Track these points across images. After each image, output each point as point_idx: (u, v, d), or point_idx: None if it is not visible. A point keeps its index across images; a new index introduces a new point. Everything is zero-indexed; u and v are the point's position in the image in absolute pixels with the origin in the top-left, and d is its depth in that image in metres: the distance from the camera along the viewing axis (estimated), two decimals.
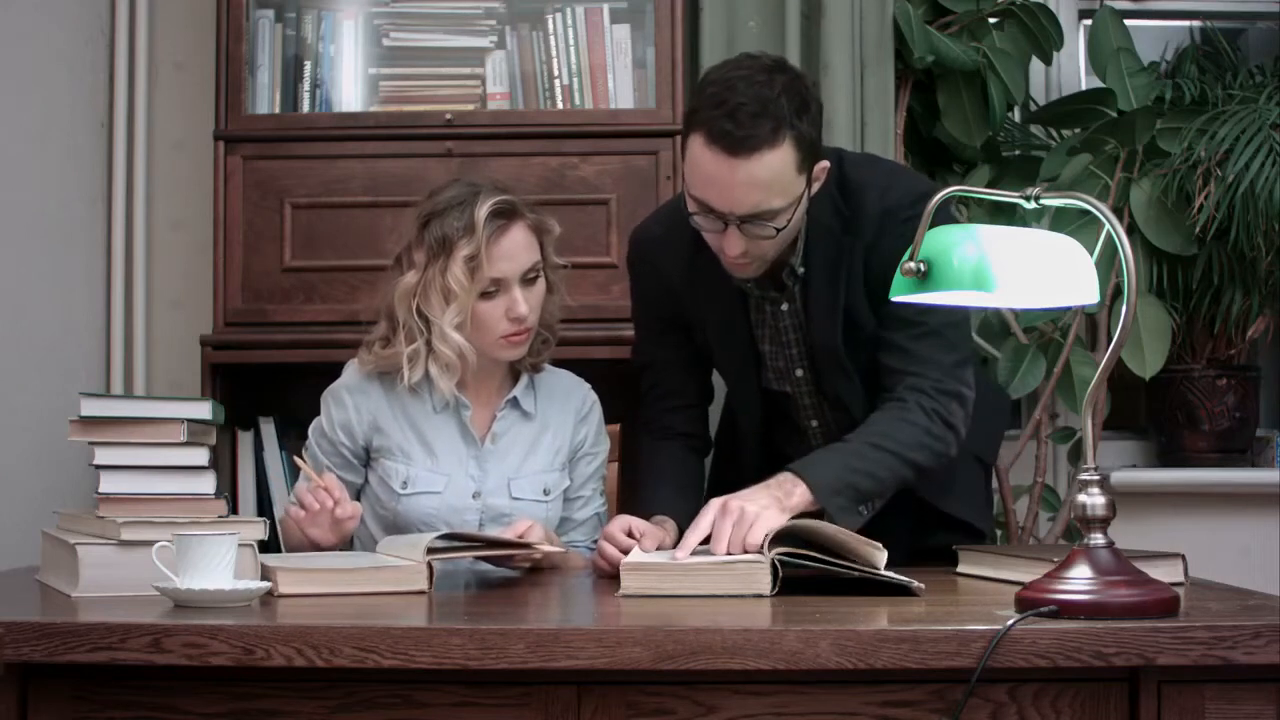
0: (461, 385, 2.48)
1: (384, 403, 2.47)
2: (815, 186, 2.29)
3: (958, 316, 2.37)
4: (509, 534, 2.28)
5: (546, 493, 2.49)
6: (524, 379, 2.53)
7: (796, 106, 2.19)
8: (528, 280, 2.42)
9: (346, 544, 2.40)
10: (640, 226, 2.58)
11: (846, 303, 2.37)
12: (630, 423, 2.64)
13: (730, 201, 2.21)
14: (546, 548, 2.26)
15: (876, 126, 3.10)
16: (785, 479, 2.21)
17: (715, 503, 2.14)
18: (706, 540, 2.11)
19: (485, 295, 2.40)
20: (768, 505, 2.14)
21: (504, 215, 2.40)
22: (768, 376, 2.50)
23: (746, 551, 2.05)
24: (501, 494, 2.47)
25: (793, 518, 2.14)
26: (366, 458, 2.50)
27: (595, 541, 2.51)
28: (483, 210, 2.38)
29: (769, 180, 2.19)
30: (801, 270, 2.38)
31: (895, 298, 1.87)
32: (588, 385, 2.60)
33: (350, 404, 2.48)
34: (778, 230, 2.23)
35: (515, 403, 2.51)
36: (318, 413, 2.53)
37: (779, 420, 2.56)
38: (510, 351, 2.44)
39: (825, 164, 2.29)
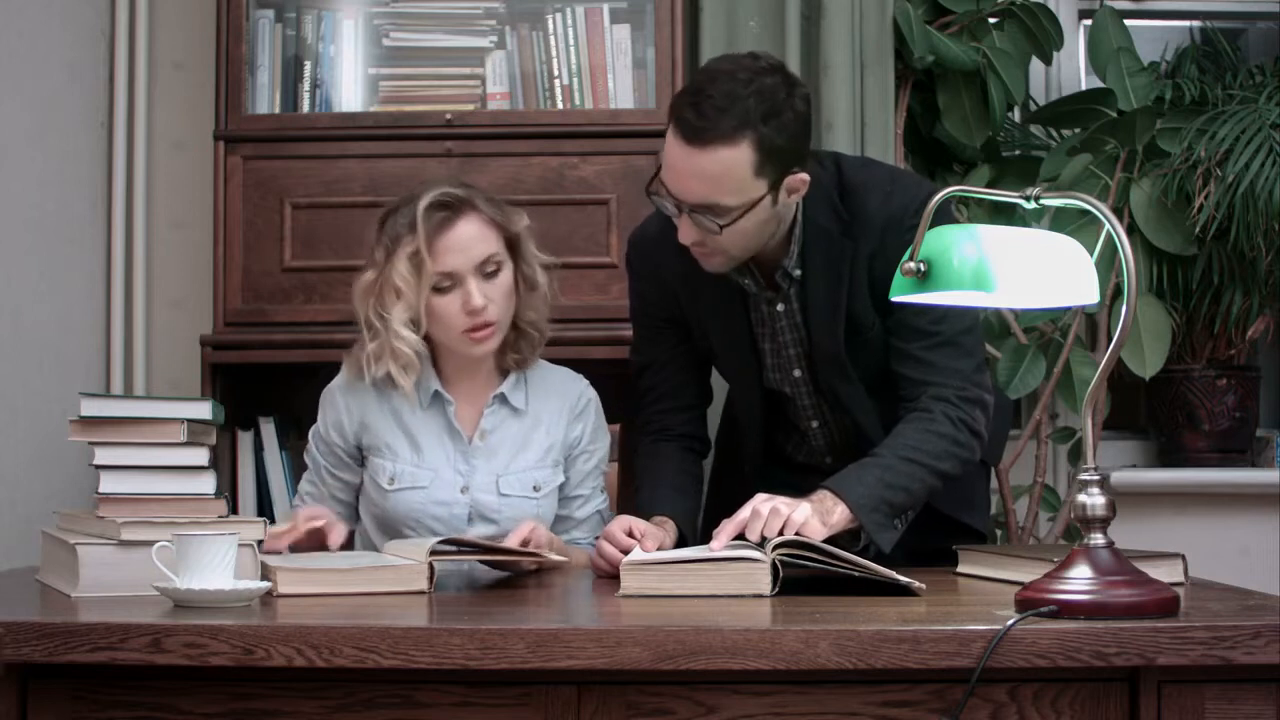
0: (447, 381, 2.48)
1: (373, 401, 2.48)
2: (791, 197, 2.28)
3: (970, 323, 2.36)
4: (513, 540, 2.28)
5: (536, 489, 2.48)
6: (513, 375, 2.53)
7: (765, 111, 2.19)
8: (487, 274, 2.41)
9: (348, 542, 2.41)
10: (638, 227, 2.57)
11: (848, 306, 2.37)
12: (631, 423, 2.64)
13: (680, 188, 2.23)
14: (554, 557, 2.26)
15: (876, 126, 3.10)
16: (825, 496, 2.20)
17: (760, 497, 2.15)
18: (740, 536, 2.11)
19: (440, 290, 2.40)
20: (811, 516, 2.13)
21: (448, 208, 2.40)
22: (769, 376, 2.50)
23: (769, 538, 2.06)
24: (489, 490, 2.47)
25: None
26: (361, 457, 2.50)
27: (598, 539, 2.52)
28: (422, 204, 2.39)
29: (718, 175, 2.19)
30: (798, 273, 2.38)
31: (895, 298, 1.87)
32: (585, 381, 2.59)
33: (340, 404, 2.50)
34: (720, 226, 2.22)
35: (503, 399, 2.50)
36: (317, 413, 2.54)
37: (779, 421, 2.56)
38: (475, 347, 2.43)
39: (804, 177, 2.27)
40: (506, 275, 2.44)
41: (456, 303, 2.40)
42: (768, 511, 2.11)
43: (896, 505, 2.26)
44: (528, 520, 2.35)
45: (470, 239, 2.41)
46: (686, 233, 2.26)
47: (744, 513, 2.13)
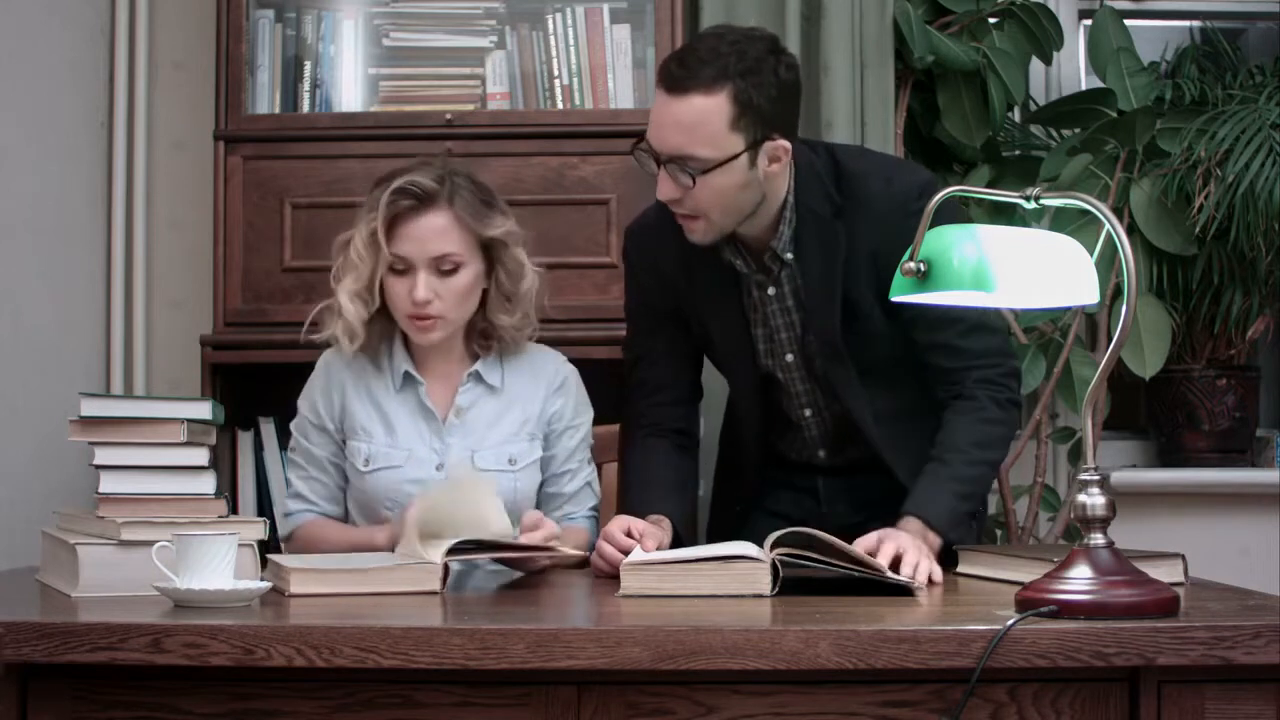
0: (419, 361, 2.50)
1: (348, 385, 2.50)
2: (772, 166, 2.30)
3: None
4: (535, 538, 2.26)
5: (512, 462, 2.48)
6: (487, 355, 2.53)
7: (745, 67, 2.25)
8: (443, 270, 2.41)
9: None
10: (635, 219, 2.59)
11: (845, 291, 2.38)
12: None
13: (658, 138, 2.28)
14: (571, 551, 2.26)
15: (876, 126, 3.10)
16: (915, 525, 2.24)
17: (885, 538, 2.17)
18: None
19: (397, 272, 2.42)
20: (927, 554, 2.16)
21: (414, 197, 2.41)
22: (761, 361, 2.50)
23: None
24: (465, 466, 2.47)
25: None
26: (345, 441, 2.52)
27: (592, 508, 2.54)
28: (392, 186, 2.41)
29: (693, 124, 2.25)
30: (789, 255, 2.39)
31: (895, 298, 1.87)
32: (562, 358, 2.58)
33: (321, 386, 2.53)
34: (694, 178, 2.25)
35: (478, 376, 2.51)
36: (298, 412, 2.56)
37: (774, 416, 2.56)
38: (417, 335, 2.45)
39: (785, 145, 2.31)
40: (465, 276, 2.43)
41: (406, 288, 2.41)
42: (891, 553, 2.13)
43: (970, 511, 2.39)
44: (533, 513, 2.34)
45: (430, 233, 2.41)
46: (664, 188, 2.30)
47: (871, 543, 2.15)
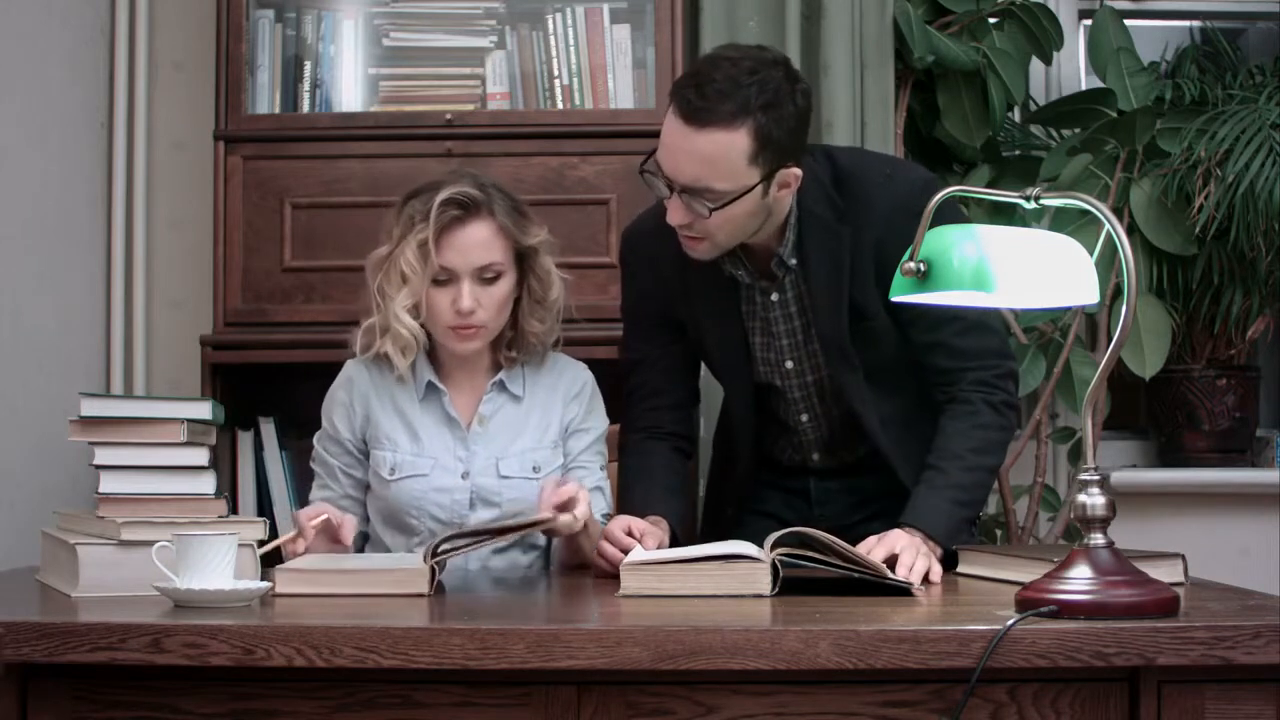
0: (443, 370, 2.50)
1: (372, 394, 2.50)
2: (782, 192, 2.30)
3: None
4: (554, 496, 2.25)
5: (536, 470, 2.49)
6: (512, 367, 2.53)
7: (765, 100, 2.22)
8: (485, 279, 2.42)
9: (359, 544, 2.42)
10: (632, 223, 2.59)
11: (850, 293, 2.38)
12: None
13: (674, 168, 2.25)
14: (565, 518, 2.23)
15: (876, 126, 3.10)
16: (916, 535, 2.23)
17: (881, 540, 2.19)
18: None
19: (439, 283, 2.42)
20: (925, 553, 2.18)
21: (462, 207, 2.41)
22: (758, 370, 2.50)
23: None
24: (489, 474, 2.47)
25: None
26: (368, 452, 2.51)
27: (602, 514, 2.53)
28: (439, 197, 2.40)
29: (713, 158, 2.22)
30: (793, 262, 2.38)
31: (894, 298, 1.87)
32: (583, 367, 2.59)
33: (342, 399, 2.52)
34: (710, 210, 2.24)
35: (502, 385, 2.51)
36: (317, 412, 2.54)
37: (768, 421, 2.56)
38: (458, 345, 2.45)
39: (796, 172, 2.29)
40: (504, 285, 2.44)
41: (448, 299, 2.41)
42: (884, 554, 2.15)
43: (969, 518, 2.38)
44: (569, 481, 2.32)
45: (475, 243, 2.41)
46: (675, 214, 2.28)
47: (878, 552, 2.15)
